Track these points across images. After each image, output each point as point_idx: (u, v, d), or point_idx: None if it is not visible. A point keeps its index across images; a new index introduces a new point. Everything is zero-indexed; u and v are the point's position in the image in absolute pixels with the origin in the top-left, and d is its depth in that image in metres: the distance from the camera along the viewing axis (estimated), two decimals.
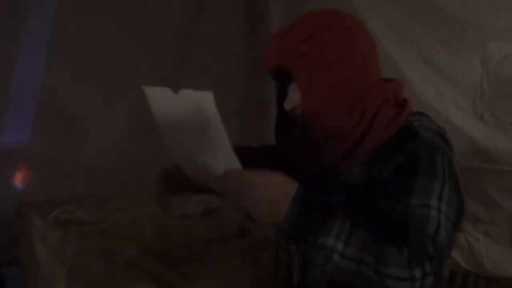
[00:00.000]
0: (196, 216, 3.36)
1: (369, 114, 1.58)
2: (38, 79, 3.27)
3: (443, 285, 1.52)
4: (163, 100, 1.64)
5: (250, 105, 4.14)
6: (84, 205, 3.22)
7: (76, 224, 3.05)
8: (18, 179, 3.35)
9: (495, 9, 2.64)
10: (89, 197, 3.34)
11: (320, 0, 3.23)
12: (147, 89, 1.67)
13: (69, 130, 3.43)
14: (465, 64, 2.79)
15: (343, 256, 1.37)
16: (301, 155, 1.70)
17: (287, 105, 1.68)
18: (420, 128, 1.58)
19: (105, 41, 3.45)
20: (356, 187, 1.59)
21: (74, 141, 3.44)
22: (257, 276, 2.65)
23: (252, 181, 1.43)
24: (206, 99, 1.48)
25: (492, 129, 2.72)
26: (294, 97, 1.64)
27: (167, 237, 2.99)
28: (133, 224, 3.08)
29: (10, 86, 3.25)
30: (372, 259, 1.36)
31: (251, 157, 1.83)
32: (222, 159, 1.49)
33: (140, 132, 3.59)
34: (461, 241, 2.85)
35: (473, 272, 2.84)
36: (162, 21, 3.66)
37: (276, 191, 1.43)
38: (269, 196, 1.42)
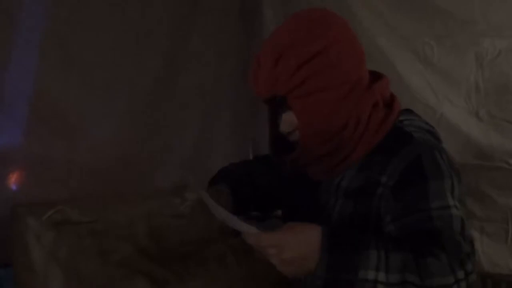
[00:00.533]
0: (191, 215, 3.35)
1: (363, 120, 1.58)
2: (30, 79, 3.25)
3: None
4: None
5: (244, 103, 4.13)
6: (78, 205, 3.19)
7: (70, 224, 3.02)
8: (12, 180, 3.33)
9: (489, 5, 2.65)
10: (83, 197, 3.31)
11: None
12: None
13: (62, 131, 3.41)
14: (460, 61, 2.79)
15: (388, 285, 1.38)
16: (302, 169, 1.73)
17: (284, 129, 1.69)
18: (411, 128, 1.59)
19: (97, 40, 3.43)
20: (354, 192, 1.59)
21: (68, 142, 3.42)
22: (251, 275, 2.64)
23: (272, 243, 1.45)
24: None
25: (487, 126, 2.72)
26: (291, 121, 1.64)
27: (161, 236, 2.97)
28: (127, 224, 3.05)
29: (2, 87, 3.23)
30: (416, 277, 1.37)
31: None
32: None
33: (134, 132, 3.59)
34: None
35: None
36: (155, 19, 3.63)
37: (300, 246, 1.43)
38: (294, 254, 1.43)
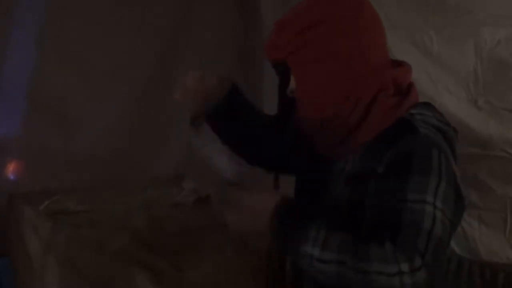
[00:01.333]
0: (188, 205, 3.35)
1: (363, 103, 1.56)
2: (29, 72, 3.25)
3: (440, 280, 1.51)
4: None
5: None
6: (75, 195, 3.20)
7: (67, 214, 3.03)
8: (9, 171, 3.33)
9: None
10: (80, 187, 3.32)
11: None
12: None
13: (59, 121, 3.41)
14: (459, 50, 2.78)
15: (322, 261, 1.38)
16: (304, 138, 1.71)
17: (289, 93, 1.66)
18: (419, 122, 1.55)
19: (95, 32, 3.43)
20: (352, 178, 1.58)
21: (65, 132, 3.42)
22: (248, 265, 2.65)
23: (238, 195, 1.52)
24: None
25: (486, 115, 2.71)
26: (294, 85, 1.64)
27: (158, 226, 2.98)
28: (124, 214, 3.06)
29: (1, 79, 3.23)
30: (350, 259, 1.35)
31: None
32: None
33: (131, 123, 3.59)
34: None
35: (467, 258, 2.83)
36: (152, 12, 3.63)
37: (254, 203, 1.49)
38: (250, 208, 1.49)
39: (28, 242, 2.95)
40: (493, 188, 2.72)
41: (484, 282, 2.78)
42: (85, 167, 3.39)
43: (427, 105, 1.66)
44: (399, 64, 1.69)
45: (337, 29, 1.54)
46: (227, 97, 1.83)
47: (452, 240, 2.81)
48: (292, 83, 1.64)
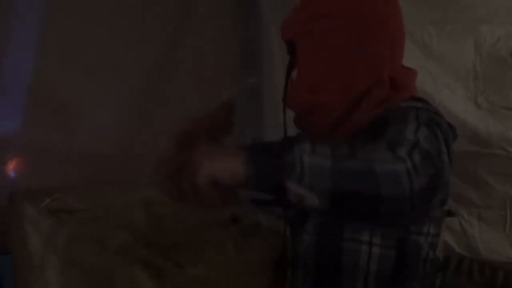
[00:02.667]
0: None
1: (355, 91, 1.58)
2: (29, 67, 3.24)
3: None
4: None
5: (243, 93, 4.13)
6: (76, 192, 3.20)
7: (68, 211, 3.03)
8: (10, 168, 3.33)
9: None
10: (81, 184, 3.32)
11: None
12: None
13: (60, 118, 3.41)
14: (458, 47, 2.78)
15: (315, 153, 1.29)
16: (299, 120, 1.74)
17: (294, 75, 1.71)
18: (406, 104, 1.57)
19: (96, 28, 3.42)
20: None
21: (66, 129, 3.41)
22: (248, 262, 2.65)
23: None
24: None
25: (485, 113, 2.72)
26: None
27: (159, 224, 2.98)
28: (125, 211, 3.06)
29: (2, 75, 3.23)
30: (347, 150, 1.31)
31: None
32: None
33: (132, 119, 3.59)
34: (455, 225, 2.85)
35: (467, 256, 2.84)
36: (154, 11, 3.63)
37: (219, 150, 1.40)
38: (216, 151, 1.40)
39: (29, 239, 2.95)
40: (492, 186, 2.73)
41: (484, 280, 2.79)
42: (86, 164, 3.39)
43: (421, 100, 1.65)
44: (407, 68, 1.70)
45: (344, 23, 1.57)
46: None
47: (451, 238, 2.84)
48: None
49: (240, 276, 2.68)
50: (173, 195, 1.45)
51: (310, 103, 1.64)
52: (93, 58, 3.42)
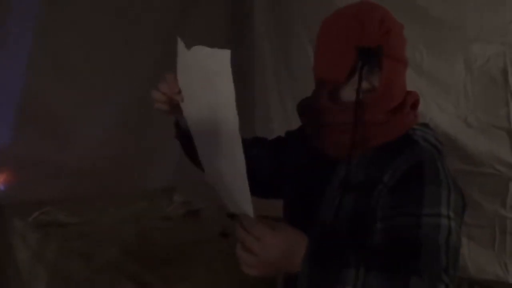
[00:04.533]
0: (178, 217, 3.35)
1: (403, 109, 1.62)
2: (20, 79, 3.24)
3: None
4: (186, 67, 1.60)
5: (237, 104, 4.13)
6: (65, 206, 3.19)
7: (57, 225, 3.02)
8: (0, 180, 3.32)
9: (478, 10, 2.65)
10: (70, 198, 3.31)
11: (300, 1, 3.27)
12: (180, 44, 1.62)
13: (52, 132, 3.41)
14: (449, 66, 2.79)
15: (368, 273, 1.36)
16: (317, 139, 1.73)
17: (375, 82, 1.66)
18: (419, 138, 1.60)
19: (88, 41, 3.43)
20: (355, 187, 1.60)
21: (57, 143, 3.42)
22: (238, 281, 2.64)
23: (260, 235, 1.38)
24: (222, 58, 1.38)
25: (475, 131, 2.72)
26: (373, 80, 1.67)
27: (148, 238, 2.97)
28: (114, 226, 3.06)
29: None
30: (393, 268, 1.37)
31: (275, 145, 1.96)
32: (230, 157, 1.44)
33: (123, 134, 3.58)
34: None
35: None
36: (145, 21, 3.64)
37: (283, 253, 1.39)
38: (274, 259, 1.39)
39: (17, 252, 2.94)
40: (482, 205, 2.73)
41: None
42: (76, 178, 3.38)
43: (426, 125, 1.70)
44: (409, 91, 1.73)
45: (400, 37, 1.65)
46: None
47: None
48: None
49: None
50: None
51: (382, 121, 1.62)
52: (85, 73, 3.43)
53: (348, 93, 1.62)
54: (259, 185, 1.65)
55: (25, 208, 3.14)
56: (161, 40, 3.69)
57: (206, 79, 1.44)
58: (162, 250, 2.86)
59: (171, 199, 3.52)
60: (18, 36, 3.21)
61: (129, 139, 3.61)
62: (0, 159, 3.30)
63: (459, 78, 2.76)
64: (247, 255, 1.39)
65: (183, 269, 2.68)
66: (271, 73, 3.90)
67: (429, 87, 2.83)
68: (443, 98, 2.81)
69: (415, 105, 1.69)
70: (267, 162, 1.94)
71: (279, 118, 3.77)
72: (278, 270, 1.43)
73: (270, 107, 3.90)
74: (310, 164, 1.77)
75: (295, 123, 1.88)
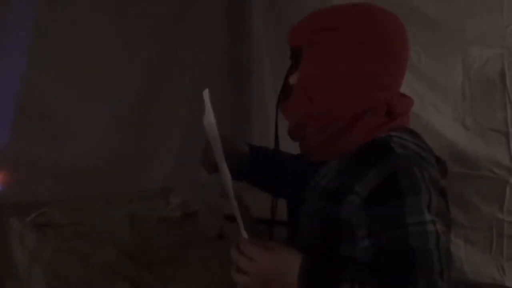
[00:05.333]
0: (175, 218, 3.34)
1: (351, 112, 1.59)
2: (19, 79, 3.23)
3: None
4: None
5: (232, 107, 4.13)
6: (62, 207, 3.19)
7: (54, 226, 3.02)
8: None
9: (476, 13, 2.65)
10: (67, 199, 3.30)
11: (300, 2, 3.27)
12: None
13: (49, 132, 3.40)
14: (447, 68, 2.80)
15: None
16: (294, 131, 1.75)
17: (292, 80, 1.71)
18: (396, 144, 1.56)
19: (86, 43, 3.42)
20: (327, 194, 1.60)
21: (55, 143, 3.41)
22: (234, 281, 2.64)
23: (253, 256, 1.42)
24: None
25: (473, 134, 2.72)
26: (298, 77, 1.69)
27: (145, 239, 2.97)
28: (111, 226, 3.05)
29: None
30: None
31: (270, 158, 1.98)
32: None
33: (120, 135, 3.58)
34: None
35: (453, 278, 2.84)
36: (144, 22, 3.63)
37: (277, 271, 1.42)
38: (268, 277, 1.42)
39: (14, 253, 2.93)
40: (479, 208, 2.73)
41: None
42: (73, 178, 3.38)
43: (412, 133, 1.66)
44: (403, 95, 1.71)
45: (353, 40, 1.58)
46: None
47: None
48: (295, 76, 1.69)
49: None
50: None
51: (308, 111, 1.64)
52: (82, 73, 3.42)
53: None
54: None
55: (23, 209, 3.13)
56: (160, 40, 3.70)
57: None
58: (159, 250, 2.86)
59: (168, 200, 3.51)
60: (17, 36, 3.20)
61: (127, 140, 3.61)
62: None
63: (456, 81, 2.76)
64: (241, 276, 1.43)
65: (180, 269, 2.68)
66: (269, 73, 3.91)
67: (427, 89, 2.83)
68: (441, 101, 2.82)
69: (390, 113, 1.64)
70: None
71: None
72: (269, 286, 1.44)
73: (267, 108, 3.91)
74: (303, 169, 1.78)
75: None
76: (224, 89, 3.99)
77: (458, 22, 2.72)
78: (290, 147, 1.87)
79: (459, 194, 2.73)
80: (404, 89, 2.52)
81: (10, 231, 3.03)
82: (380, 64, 1.60)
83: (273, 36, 3.88)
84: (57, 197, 3.29)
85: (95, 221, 3.11)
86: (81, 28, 3.38)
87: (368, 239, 1.47)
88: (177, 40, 3.81)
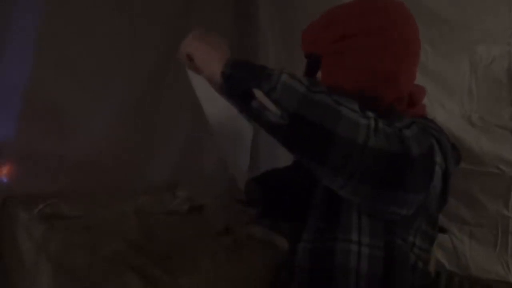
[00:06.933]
0: (182, 212, 3.35)
1: (378, 109, 1.59)
2: (24, 73, 3.24)
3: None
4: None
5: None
6: (69, 199, 3.19)
7: (61, 218, 3.03)
8: (3, 174, 3.32)
9: (484, 11, 2.66)
10: (74, 191, 3.31)
11: (305, 7, 3.27)
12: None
13: (54, 125, 3.41)
14: (454, 66, 2.80)
15: (293, 77, 1.36)
16: None
17: None
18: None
19: (91, 37, 3.43)
20: None
21: (60, 136, 3.41)
22: (241, 273, 2.65)
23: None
24: None
25: (479, 131, 2.73)
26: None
27: (152, 232, 2.98)
28: (118, 219, 3.06)
29: None
30: (324, 88, 1.37)
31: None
32: None
33: (125, 128, 3.59)
34: (446, 243, 2.85)
35: (457, 274, 2.85)
36: (150, 18, 3.64)
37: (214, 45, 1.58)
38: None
39: (21, 244, 2.94)
40: (484, 205, 2.74)
41: None
42: (79, 171, 3.38)
43: (430, 120, 1.69)
44: (416, 85, 1.73)
45: (373, 44, 1.59)
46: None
47: (442, 255, 2.85)
48: (318, 76, 1.69)
49: (232, 287, 2.68)
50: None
51: None
52: (88, 66, 3.43)
53: None
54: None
55: (29, 201, 3.14)
56: (164, 36, 3.70)
57: None
58: (166, 244, 2.87)
59: (174, 194, 3.53)
60: (21, 31, 3.21)
61: (133, 134, 3.62)
62: (4, 152, 3.31)
63: (463, 78, 2.77)
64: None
65: (187, 262, 2.69)
66: (275, 66, 3.91)
67: (434, 86, 2.83)
68: (448, 98, 2.82)
69: (413, 103, 1.69)
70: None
71: None
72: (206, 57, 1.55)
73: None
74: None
75: None
76: None
77: (465, 20, 2.72)
78: None
79: (465, 191, 2.74)
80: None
81: (17, 223, 3.04)
82: (401, 61, 1.62)
83: (278, 30, 3.88)
84: (64, 191, 3.30)
85: (102, 214, 3.12)
86: (86, 25, 3.39)
87: None
88: (181, 37, 3.82)
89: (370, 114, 1.35)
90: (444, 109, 2.83)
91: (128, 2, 3.55)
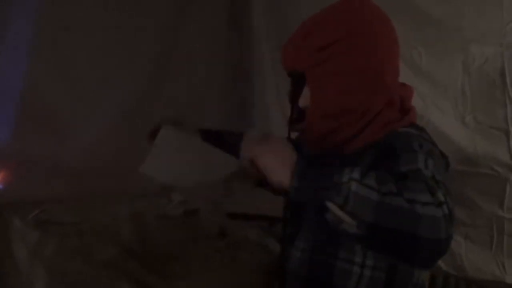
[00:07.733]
0: (176, 216, 3.35)
1: (370, 114, 1.61)
2: (18, 77, 3.24)
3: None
4: None
5: (233, 104, 4.14)
6: (63, 205, 3.19)
7: (55, 224, 3.02)
8: None
9: (477, 12, 2.65)
10: (68, 197, 3.31)
11: (299, 4, 3.27)
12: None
13: (50, 130, 3.41)
14: (447, 67, 2.80)
15: (362, 184, 1.34)
16: (313, 144, 1.75)
17: (301, 103, 1.71)
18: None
19: (87, 40, 3.44)
20: None
21: (56, 141, 3.41)
22: (235, 278, 2.65)
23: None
24: None
25: (473, 132, 2.73)
26: (307, 97, 1.68)
27: (146, 237, 2.97)
28: (112, 225, 3.05)
29: None
30: (393, 188, 1.34)
31: None
32: None
33: (120, 132, 3.59)
34: None
35: (453, 275, 2.85)
36: (145, 21, 3.64)
37: (278, 150, 1.52)
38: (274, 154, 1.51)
39: (15, 251, 2.94)
40: (480, 206, 2.74)
41: None
42: (74, 177, 3.38)
43: (420, 128, 1.69)
44: (403, 84, 1.72)
45: (355, 46, 1.59)
46: None
47: None
48: (305, 94, 1.68)
49: None
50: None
51: (328, 126, 1.64)
52: (85, 71, 3.43)
53: None
54: None
55: (24, 207, 3.13)
56: (160, 39, 3.70)
57: None
58: (160, 248, 2.86)
59: (169, 198, 3.52)
60: (18, 34, 3.21)
61: (127, 138, 3.61)
62: None
63: (457, 79, 2.77)
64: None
65: (182, 267, 2.68)
66: (270, 73, 3.91)
67: (427, 87, 2.84)
68: (441, 99, 2.82)
69: (404, 107, 1.69)
70: None
71: (278, 118, 3.79)
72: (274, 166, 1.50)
73: (269, 107, 3.91)
74: None
75: None
76: (225, 86, 4.00)
77: (458, 21, 2.72)
78: None
79: (460, 192, 2.73)
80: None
81: (12, 228, 3.04)
82: (386, 62, 1.62)
83: (272, 35, 3.88)
84: (58, 195, 3.30)
85: (96, 219, 3.12)
86: (82, 27, 3.39)
87: None
88: (178, 38, 3.82)
89: (439, 194, 1.34)
90: (438, 110, 2.83)
91: (124, 6, 3.55)
